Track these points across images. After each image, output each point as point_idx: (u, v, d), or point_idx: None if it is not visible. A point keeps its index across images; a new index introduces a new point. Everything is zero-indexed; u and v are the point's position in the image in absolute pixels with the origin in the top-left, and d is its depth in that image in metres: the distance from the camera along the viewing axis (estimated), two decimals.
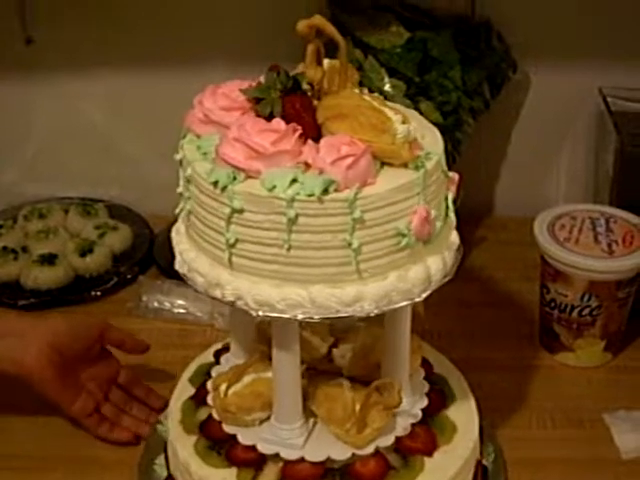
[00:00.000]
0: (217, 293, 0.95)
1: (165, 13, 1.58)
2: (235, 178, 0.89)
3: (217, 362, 1.17)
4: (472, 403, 1.14)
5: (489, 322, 1.44)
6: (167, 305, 1.47)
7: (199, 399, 1.14)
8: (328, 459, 1.03)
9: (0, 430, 1.25)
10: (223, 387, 1.06)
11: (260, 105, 0.93)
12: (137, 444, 1.22)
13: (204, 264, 0.96)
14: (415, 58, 1.43)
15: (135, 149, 1.70)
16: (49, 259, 1.52)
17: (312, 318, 0.92)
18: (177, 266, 1.01)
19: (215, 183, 0.90)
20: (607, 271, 1.27)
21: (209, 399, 1.09)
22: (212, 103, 0.95)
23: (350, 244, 0.90)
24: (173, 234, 1.05)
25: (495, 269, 1.56)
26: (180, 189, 0.99)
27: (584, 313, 1.31)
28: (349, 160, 0.88)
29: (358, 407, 1.02)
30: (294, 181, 0.88)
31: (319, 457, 1.03)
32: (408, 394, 1.07)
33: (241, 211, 0.90)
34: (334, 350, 1.11)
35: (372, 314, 0.93)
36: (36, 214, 1.64)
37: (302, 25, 0.92)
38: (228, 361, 1.15)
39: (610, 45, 1.57)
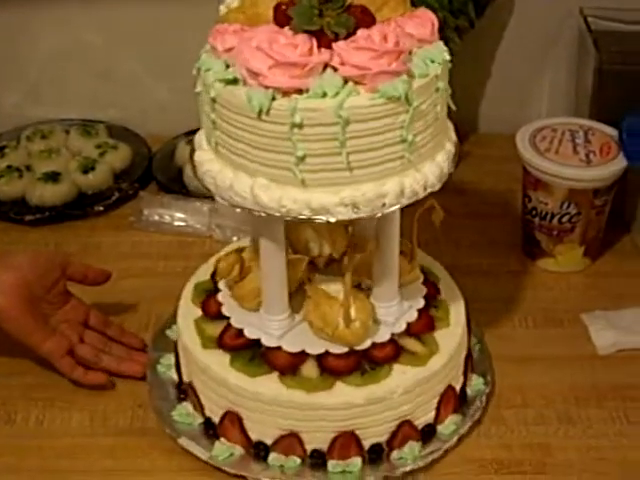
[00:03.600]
0: (401, 201, 0.99)
1: None
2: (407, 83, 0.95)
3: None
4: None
5: (474, 231, 1.51)
6: (167, 218, 1.52)
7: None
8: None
9: None
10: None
11: (335, 27, 0.94)
12: (112, 388, 1.23)
13: (369, 188, 0.98)
14: None
15: (133, 72, 1.74)
16: (53, 177, 1.56)
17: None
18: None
19: (394, 96, 0.93)
20: (585, 179, 1.33)
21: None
22: (298, 56, 0.92)
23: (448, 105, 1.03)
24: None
25: (480, 182, 1.61)
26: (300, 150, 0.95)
27: (564, 220, 1.38)
28: (436, 26, 1.00)
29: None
30: (424, 63, 0.97)
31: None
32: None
33: (418, 107, 0.96)
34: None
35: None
36: (39, 135, 1.68)
37: None
38: None
39: None
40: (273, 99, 0.92)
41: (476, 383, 1.21)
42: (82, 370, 1.21)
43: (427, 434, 1.14)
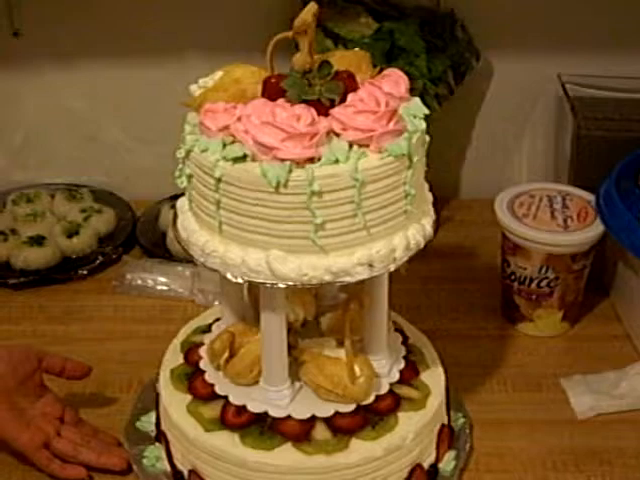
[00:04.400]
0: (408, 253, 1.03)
1: (143, 6, 1.63)
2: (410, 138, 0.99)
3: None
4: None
5: (454, 296, 1.52)
6: (150, 282, 1.53)
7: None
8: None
9: None
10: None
11: (328, 94, 0.97)
12: None
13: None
14: (383, 47, 1.48)
15: (117, 137, 1.75)
16: (38, 240, 1.57)
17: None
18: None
19: (400, 154, 0.97)
20: (563, 244, 1.35)
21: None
22: (306, 126, 0.95)
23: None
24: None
25: (460, 247, 1.63)
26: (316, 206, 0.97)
27: (542, 285, 1.39)
28: (407, 83, 1.04)
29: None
30: (410, 119, 1.01)
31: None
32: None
33: (416, 162, 1.01)
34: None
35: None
36: (24, 199, 1.69)
37: (308, 14, 0.96)
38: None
39: (568, 35, 1.64)
40: (290, 171, 0.94)
41: (457, 417, 1.25)
42: (59, 464, 1.17)
43: (432, 474, 1.18)
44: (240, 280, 1.01)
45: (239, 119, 0.97)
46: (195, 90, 1.05)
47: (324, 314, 1.19)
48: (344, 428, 1.11)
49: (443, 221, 1.66)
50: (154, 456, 1.20)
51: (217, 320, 1.23)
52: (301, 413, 1.11)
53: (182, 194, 1.09)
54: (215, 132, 0.98)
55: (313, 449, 1.09)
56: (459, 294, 1.52)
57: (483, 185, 1.69)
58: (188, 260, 1.50)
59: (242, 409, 1.12)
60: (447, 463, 1.19)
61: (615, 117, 1.56)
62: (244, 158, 0.96)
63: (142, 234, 1.65)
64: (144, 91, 1.70)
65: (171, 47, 1.65)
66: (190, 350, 1.22)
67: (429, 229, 1.06)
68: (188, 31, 1.65)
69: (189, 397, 1.16)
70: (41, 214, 1.65)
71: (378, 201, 0.99)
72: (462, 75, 1.60)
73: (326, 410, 1.11)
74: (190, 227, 1.05)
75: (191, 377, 1.18)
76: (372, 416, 1.12)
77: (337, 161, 0.95)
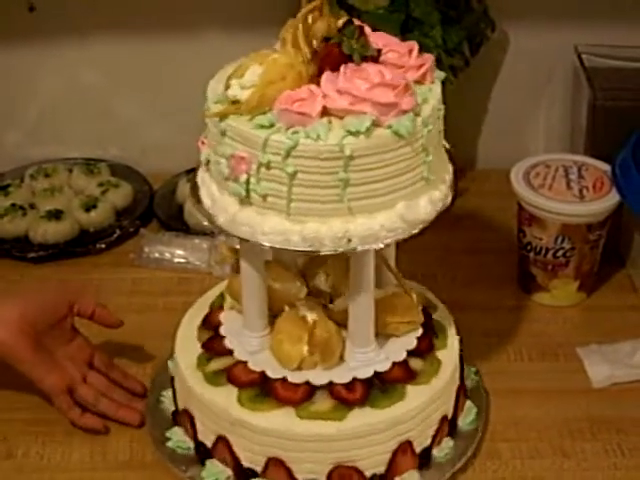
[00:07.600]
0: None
1: None
2: None
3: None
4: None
5: (470, 266, 1.52)
6: (167, 255, 1.54)
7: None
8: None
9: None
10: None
11: (367, 48, 1.01)
12: (105, 433, 1.22)
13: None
14: (398, 19, 1.48)
15: (133, 111, 1.76)
16: (56, 214, 1.58)
17: None
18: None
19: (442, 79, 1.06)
20: (578, 214, 1.35)
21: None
22: (398, 79, 0.99)
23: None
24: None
25: (476, 218, 1.63)
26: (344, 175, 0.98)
27: (558, 255, 1.39)
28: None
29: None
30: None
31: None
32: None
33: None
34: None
35: None
36: (42, 173, 1.70)
37: None
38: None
39: (584, 5, 1.64)
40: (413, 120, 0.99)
41: (469, 373, 1.27)
42: (79, 411, 1.21)
43: (465, 392, 1.23)
44: (381, 245, 1.03)
45: (325, 97, 0.98)
46: (237, 94, 1.00)
47: (314, 276, 1.20)
48: (423, 349, 1.16)
49: (459, 192, 1.62)
50: (216, 472, 1.14)
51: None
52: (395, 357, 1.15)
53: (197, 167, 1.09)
54: (315, 117, 0.97)
55: (422, 379, 1.13)
56: (475, 264, 1.53)
57: (499, 156, 1.67)
58: (205, 232, 1.53)
59: (353, 382, 1.12)
60: (468, 376, 1.26)
61: (631, 87, 1.55)
62: (371, 127, 0.97)
63: (159, 207, 1.66)
64: (160, 65, 1.70)
65: (187, 21, 1.65)
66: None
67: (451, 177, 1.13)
68: (204, 5, 1.64)
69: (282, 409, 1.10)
70: (59, 188, 1.66)
71: (440, 125, 1.06)
72: (477, 46, 1.60)
73: (400, 354, 1.15)
74: (282, 227, 1.01)
75: (259, 394, 1.12)
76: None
77: (426, 100, 1.01)
